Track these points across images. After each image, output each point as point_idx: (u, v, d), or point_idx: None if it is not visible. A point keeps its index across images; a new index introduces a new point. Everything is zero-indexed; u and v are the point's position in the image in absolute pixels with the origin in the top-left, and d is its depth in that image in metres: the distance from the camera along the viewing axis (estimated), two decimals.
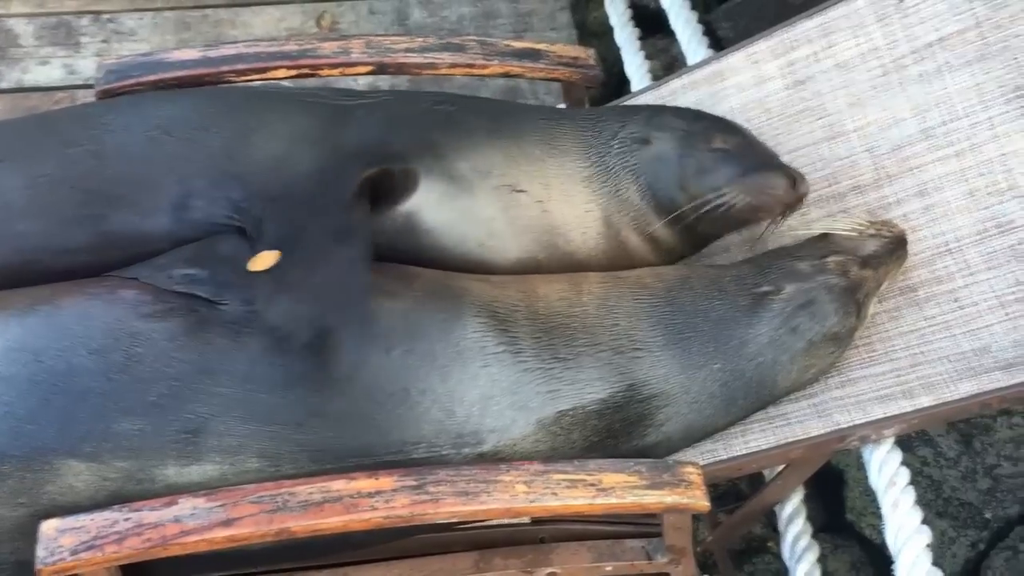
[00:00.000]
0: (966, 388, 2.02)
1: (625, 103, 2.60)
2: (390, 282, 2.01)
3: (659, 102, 2.51)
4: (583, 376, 1.99)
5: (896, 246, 2.15)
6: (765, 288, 2.09)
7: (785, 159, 2.30)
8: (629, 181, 2.21)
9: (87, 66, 3.27)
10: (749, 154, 2.22)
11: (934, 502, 3.01)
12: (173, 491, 1.84)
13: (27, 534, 1.79)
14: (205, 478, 1.85)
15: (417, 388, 1.91)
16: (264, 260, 1.95)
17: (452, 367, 1.93)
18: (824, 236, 2.18)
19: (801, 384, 2.13)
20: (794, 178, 2.18)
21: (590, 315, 2.05)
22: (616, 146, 2.22)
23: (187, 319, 1.90)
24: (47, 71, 3.27)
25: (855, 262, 2.11)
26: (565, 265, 2.18)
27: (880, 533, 2.98)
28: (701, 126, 2.24)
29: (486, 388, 1.94)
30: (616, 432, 2.02)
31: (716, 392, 2.06)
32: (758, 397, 2.10)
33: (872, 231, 2.15)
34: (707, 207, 2.18)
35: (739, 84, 2.45)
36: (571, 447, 2.00)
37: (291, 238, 1.97)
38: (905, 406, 2.04)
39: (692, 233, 2.23)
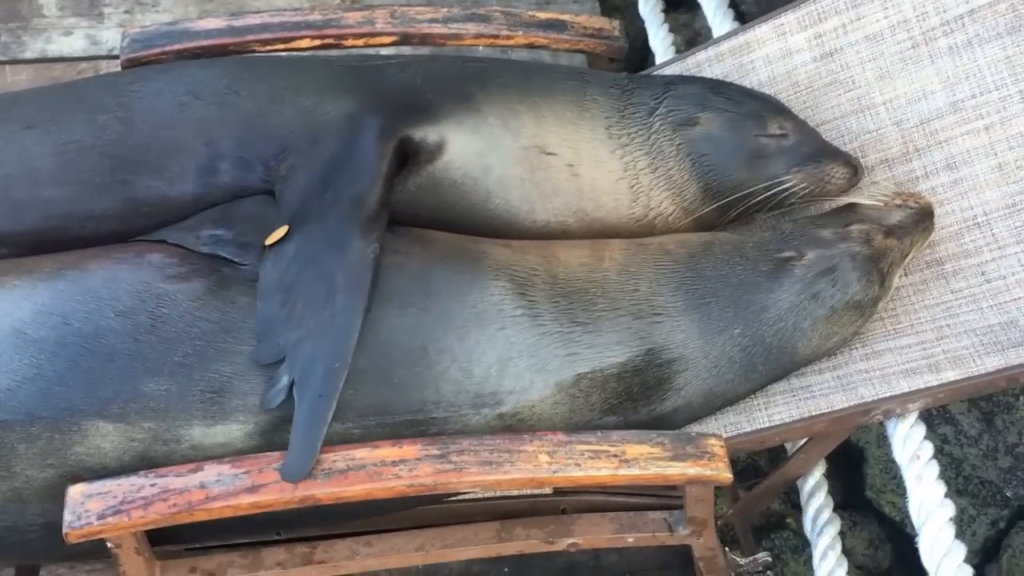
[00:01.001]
0: (993, 362, 2.01)
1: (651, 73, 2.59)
2: (407, 243, 2.02)
3: (685, 74, 2.49)
4: (602, 340, 1.99)
5: (922, 217, 2.14)
6: (787, 254, 2.08)
7: None
8: (673, 160, 2.19)
9: (110, 36, 3.26)
10: (806, 140, 2.20)
11: (954, 480, 3.01)
12: (199, 451, 1.86)
13: (56, 496, 1.81)
14: (230, 438, 1.86)
15: (435, 347, 1.92)
16: (276, 235, 1.96)
17: (469, 328, 1.94)
18: (850, 206, 2.17)
19: (822, 353, 2.12)
20: (855, 166, 2.18)
21: (611, 281, 2.05)
22: (657, 122, 2.20)
23: (209, 279, 1.92)
24: (70, 41, 3.26)
25: (879, 231, 2.10)
26: (595, 231, 2.18)
27: (899, 510, 3.00)
28: (751, 108, 2.22)
29: (504, 350, 1.95)
30: (635, 395, 2.02)
31: (736, 357, 2.05)
32: (779, 364, 2.09)
33: (898, 201, 2.14)
34: (764, 195, 2.17)
35: (766, 56, 2.43)
36: (590, 409, 2.00)
37: (301, 212, 1.98)
38: (931, 380, 2.03)
39: (735, 212, 2.21)
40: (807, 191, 2.18)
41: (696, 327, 2.04)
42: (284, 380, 1.84)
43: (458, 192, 2.11)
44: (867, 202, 2.16)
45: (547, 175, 2.14)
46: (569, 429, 1.98)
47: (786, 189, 2.17)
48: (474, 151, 2.10)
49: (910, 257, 2.15)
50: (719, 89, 2.26)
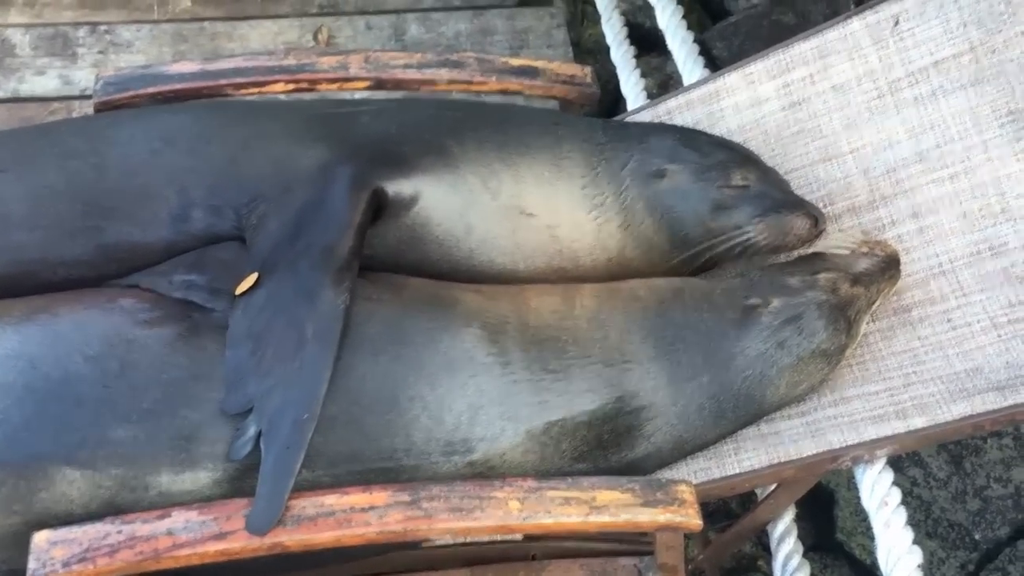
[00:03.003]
0: (959, 409, 2.03)
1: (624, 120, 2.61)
2: (379, 290, 2.02)
3: (655, 121, 2.51)
4: (573, 388, 2.00)
5: (888, 265, 2.17)
6: (754, 301, 2.10)
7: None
8: (643, 215, 2.21)
9: (83, 77, 3.26)
10: (768, 191, 2.23)
11: (924, 523, 3.02)
12: (166, 498, 1.84)
13: (20, 543, 1.79)
14: (198, 485, 1.85)
15: (406, 395, 1.92)
16: (246, 283, 1.96)
17: (441, 376, 1.94)
18: (819, 254, 2.20)
19: (790, 400, 2.14)
20: (816, 217, 2.20)
21: (581, 328, 2.05)
22: (628, 178, 2.21)
23: (180, 325, 1.92)
24: (43, 81, 3.26)
25: (846, 279, 2.12)
26: (571, 281, 2.19)
27: (870, 553, 3.01)
28: (717, 159, 2.24)
29: (475, 398, 1.95)
30: (605, 443, 2.02)
31: (704, 404, 2.07)
32: (746, 411, 2.11)
33: (865, 249, 2.17)
34: (727, 245, 2.19)
35: (735, 104, 2.46)
36: (560, 456, 2.00)
37: (272, 260, 1.97)
38: (898, 427, 2.05)
39: (702, 261, 2.24)
40: (769, 241, 2.20)
41: (665, 374, 2.05)
42: (252, 430, 1.83)
43: (442, 249, 2.12)
44: (835, 250, 2.18)
45: (528, 236, 2.16)
46: (539, 476, 1.98)
47: (749, 239, 2.19)
48: (454, 209, 2.11)
49: (877, 304, 2.18)
50: (689, 141, 2.28)
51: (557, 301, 2.10)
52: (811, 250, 2.21)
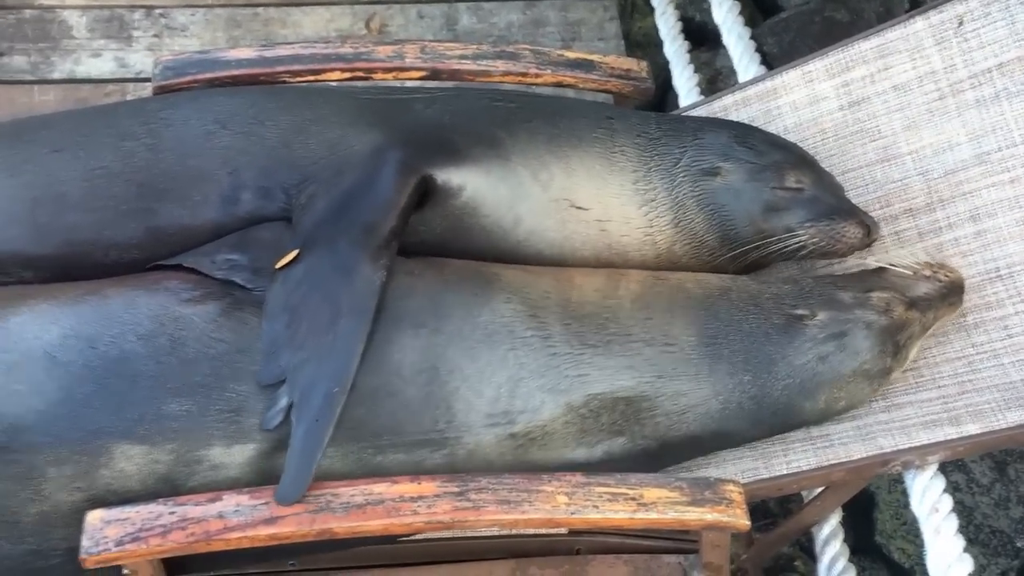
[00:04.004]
0: (1014, 417, 2.01)
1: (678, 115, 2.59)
2: (420, 266, 2.03)
3: (712, 117, 2.50)
4: (613, 363, 2.00)
5: (951, 291, 2.12)
6: (801, 311, 2.08)
7: (838, 179, 2.30)
8: (694, 212, 2.19)
9: (139, 60, 3.29)
10: (822, 195, 2.21)
11: (965, 529, 2.99)
12: (219, 472, 1.86)
13: (80, 521, 1.81)
14: (247, 457, 1.87)
15: (446, 367, 1.93)
16: (287, 258, 1.98)
17: (480, 348, 1.95)
18: (879, 270, 2.15)
19: (831, 414, 2.10)
20: (868, 226, 2.18)
21: (624, 308, 2.05)
22: (681, 174, 2.20)
23: (223, 301, 1.94)
24: (99, 63, 3.29)
25: (901, 302, 2.08)
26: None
27: (909, 557, 2.98)
28: (771, 160, 2.22)
29: (515, 370, 1.96)
30: (644, 420, 2.02)
31: (744, 404, 2.05)
32: (785, 418, 2.08)
33: (927, 272, 2.13)
34: (776, 247, 2.18)
35: (793, 103, 2.44)
36: (599, 429, 2.00)
37: (313, 236, 1.99)
38: (951, 433, 2.02)
39: (750, 261, 2.23)
40: (819, 246, 2.18)
41: (707, 365, 2.03)
42: (283, 401, 1.85)
43: (489, 239, 2.12)
44: (897, 268, 2.14)
45: (577, 229, 2.15)
46: (579, 448, 1.98)
47: (799, 243, 2.17)
48: (503, 200, 2.11)
49: (932, 329, 2.13)
50: (744, 138, 2.26)
51: (601, 281, 2.10)
52: (875, 265, 2.17)
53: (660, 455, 2.07)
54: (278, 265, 1.96)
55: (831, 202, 2.21)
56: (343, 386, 1.84)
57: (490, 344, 1.96)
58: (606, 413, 2.00)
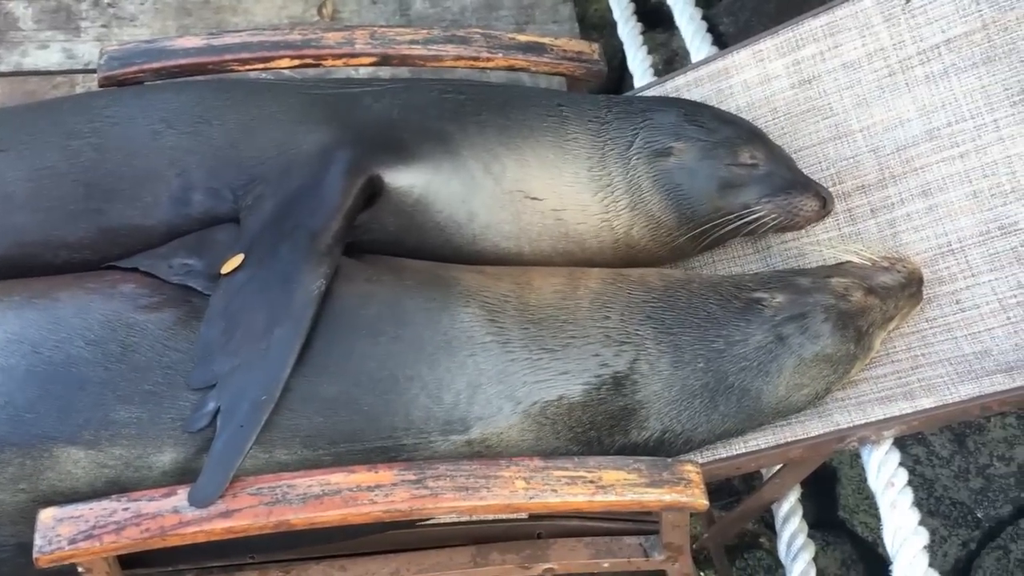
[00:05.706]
0: (967, 391, 2.02)
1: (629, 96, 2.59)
2: (378, 272, 2.02)
3: (663, 96, 2.49)
4: (570, 367, 1.99)
5: (909, 282, 2.12)
6: (759, 294, 2.08)
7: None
8: (650, 194, 2.19)
9: (87, 51, 3.25)
10: (777, 170, 2.22)
11: (926, 501, 3.02)
12: (170, 478, 1.85)
13: (27, 518, 1.80)
14: (200, 464, 1.84)
15: (405, 374, 1.92)
16: (232, 263, 1.96)
17: (439, 355, 1.94)
18: (840, 263, 2.15)
19: (792, 406, 2.09)
20: (824, 198, 2.20)
21: (582, 308, 2.05)
22: (634, 157, 2.20)
23: (179, 309, 1.93)
24: (46, 55, 3.24)
25: (860, 288, 2.08)
26: (578, 264, 2.18)
27: (872, 531, 3.01)
28: (723, 136, 2.22)
29: (473, 376, 1.95)
30: (600, 425, 2.02)
31: (698, 392, 2.04)
32: (740, 407, 2.06)
33: (886, 264, 2.13)
34: (734, 224, 2.18)
35: (745, 82, 2.44)
36: (556, 437, 2.00)
37: (258, 241, 1.97)
38: (905, 407, 2.04)
39: (708, 240, 2.23)
40: (777, 221, 2.20)
41: (664, 359, 2.03)
42: (211, 405, 1.84)
43: (444, 235, 2.11)
44: (857, 260, 2.14)
45: (533, 220, 2.14)
46: (545, 455, 1.97)
47: (757, 219, 2.18)
48: (456, 195, 2.10)
49: (895, 323, 2.13)
50: (693, 116, 2.25)
51: (561, 281, 2.09)
52: (834, 262, 2.17)
53: None
54: (223, 271, 1.95)
55: (786, 176, 2.22)
56: (271, 394, 1.84)
57: (449, 350, 1.95)
58: (562, 420, 2.00)
